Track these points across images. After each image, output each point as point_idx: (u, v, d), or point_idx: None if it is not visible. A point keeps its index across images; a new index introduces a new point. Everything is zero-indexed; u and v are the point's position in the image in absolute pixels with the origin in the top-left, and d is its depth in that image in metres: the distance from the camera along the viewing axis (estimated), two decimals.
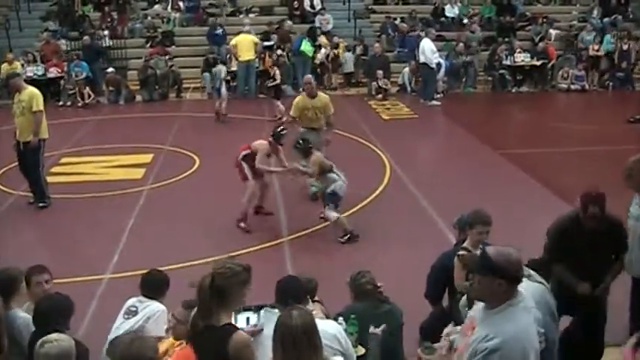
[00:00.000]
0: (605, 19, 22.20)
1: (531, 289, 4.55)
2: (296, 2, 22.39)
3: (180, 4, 22.64)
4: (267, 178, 9.73)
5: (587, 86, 19.61)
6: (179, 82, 19.34)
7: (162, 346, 4.87)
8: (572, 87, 19.53)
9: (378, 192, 10.72)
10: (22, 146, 10.15)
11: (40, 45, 19.98)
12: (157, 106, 18.11)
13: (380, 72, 18.77)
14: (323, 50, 20.00)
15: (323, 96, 10.79)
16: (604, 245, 5.31)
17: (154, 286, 5.36)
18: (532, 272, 4.57)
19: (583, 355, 5.45)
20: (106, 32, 20.72)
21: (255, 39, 18.66)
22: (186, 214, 9.92)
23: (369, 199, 10.35)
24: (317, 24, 21.51)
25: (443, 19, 22.43)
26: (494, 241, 5.00)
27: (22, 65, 18.38)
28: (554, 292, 4.81)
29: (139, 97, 18.78)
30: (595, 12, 22.64)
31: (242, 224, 9.23)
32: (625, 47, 19.61)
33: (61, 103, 18.03)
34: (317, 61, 19.82)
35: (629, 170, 5.48)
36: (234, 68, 18.78)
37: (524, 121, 17.06)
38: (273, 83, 17.75)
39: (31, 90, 10.24)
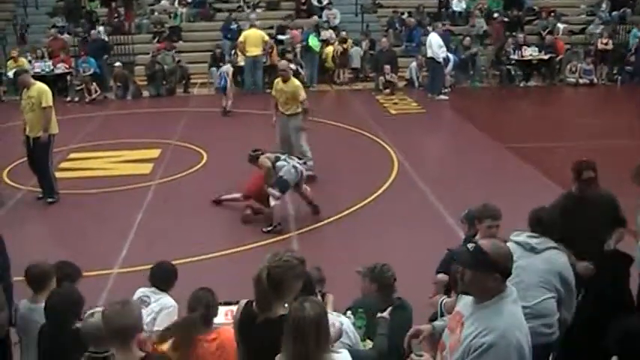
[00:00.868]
0: (614, 13, 22.08)
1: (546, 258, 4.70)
2: None
3: None
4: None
5: (595, 80, 19.53)
6: (186, 78, 19.35)
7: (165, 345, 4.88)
8: (581, 81, 19.45)
9: (385, 186, 10.70)
10: (32, 142, 10.18)
11: (48, 41, 20.02)
12: (165, 101, 18.14)
13: (387, 67, 18.73)
14: (331, 47, 19.96)
15: (294, 82, 11.03)
16: (602, 220, 5.29)
17: (164, 277, 5.37)
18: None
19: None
20: (102, 28, 20.71)
21: (264, 35, 18.63)
22: (194, 208, 9.93)
23: (377, 194, 10.34)
24: (324, 19, 21.50)
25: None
26: (504, 236, 5.00)
27: (30, 62, 18.45)
28: None
29: (146, 93, 18.81)
30: (604, 5, 22.49)
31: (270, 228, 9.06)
32: None
33: (68, 99, 18.05)
34: (324, 56, 19.80)
35: (638, 169, 5.45)
36: (241, 63, 18.77)
37: (532, 115, 16.98)
38: None
39: (40, 86, 10.29)
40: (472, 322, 3.35)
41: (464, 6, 22.51)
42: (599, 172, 5.67)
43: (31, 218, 9.89)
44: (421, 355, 3.59)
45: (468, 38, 19.72)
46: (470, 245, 3.43)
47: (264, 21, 20.88)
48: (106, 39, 20.30)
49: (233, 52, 19.25)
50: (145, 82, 19.02)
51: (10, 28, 21.09)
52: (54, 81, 17.75)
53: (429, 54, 17.70)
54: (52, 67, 18.77)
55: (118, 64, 18.86)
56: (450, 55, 18.55)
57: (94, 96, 18.12)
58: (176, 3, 22.57)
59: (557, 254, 4.92)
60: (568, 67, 19.74)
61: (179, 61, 19.41)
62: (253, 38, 18.27)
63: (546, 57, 19.71)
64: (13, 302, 5.07)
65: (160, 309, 5.19)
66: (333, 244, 8.64)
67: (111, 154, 12.83)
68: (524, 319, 4.49)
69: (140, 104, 18.01)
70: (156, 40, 21.14)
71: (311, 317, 3.22)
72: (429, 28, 19.46)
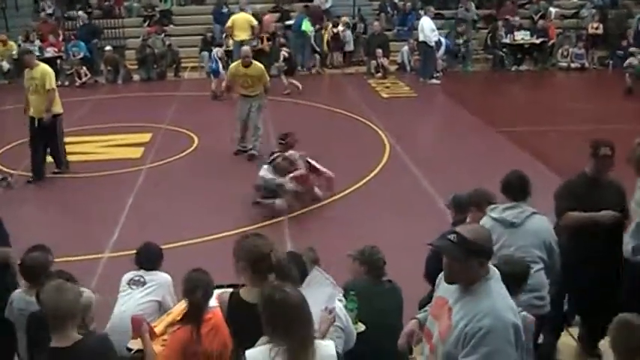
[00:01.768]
0: None
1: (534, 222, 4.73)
2: None
3: None
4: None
5: (587, 64, 19.53)
6: (177, 61, 19.25)
7: (162, 324, 4.90)
8: (572, 65, 19.44)
9: (377, 170, 10.70)
10: (37, 123, 10.24)
11: (37, 24, 19.84)
12: (155, 85, 18.06)
13: (379, 50, 18.67)
14: (327, 30, 19.83)
15: (258, 66, 11.29)
16: (611, 202, 5.28)
17: (151, 257, 5.39)
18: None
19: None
20: (81, 12, 20.48)
21: (252, 19, 18.41)
22: (185, 192, 9.92)
23: (368, 177, 10.34)
24: (316, 2, 21.36)
25: None
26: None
27: (19, 45, 18.28)
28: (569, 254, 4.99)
29: (136, 77, 18.73)
30: None
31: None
32: None
33: (59, 83, 17.83)
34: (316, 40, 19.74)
35: (632, 152, 5.43)
36: (231, 48, 18.63)
37: (523, 99, 16.98)
38: (285, 63, 17.69)
39: (44, 67, 10.43)
40: (461, 306, 3.32)
41: None
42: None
43: (21, 202, 9.84)
44: None
45: (463, 26, 19.63)
46: (451, 236, 3.36)
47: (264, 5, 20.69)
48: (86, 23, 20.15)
49: (224, 35, 19.13)
50: (136, 66, 18.92)
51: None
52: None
53: (421, 38, 17.66)
54: (41, 51, 18.58)
55: (108, 48, 18.74)
56: (442, 39, 18.52)
57: (84, 80, 18.05)
58: None
59: (537, 222, 4.91)
60: (560, 51, 19.73)
61: (170, 45, 19.30)
62: (241, 22, 18.02)
63: (538, 41, 19.69)
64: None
65: (159, 286, 5.21)
66: (325, 227, 8.63)
67: (102, 138, 12.79)
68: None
69: (131, 88, 17.92)
70: (146, 23, 20.97)
71: (305, 301, 3.24)
72: (421, 12, 19.37)
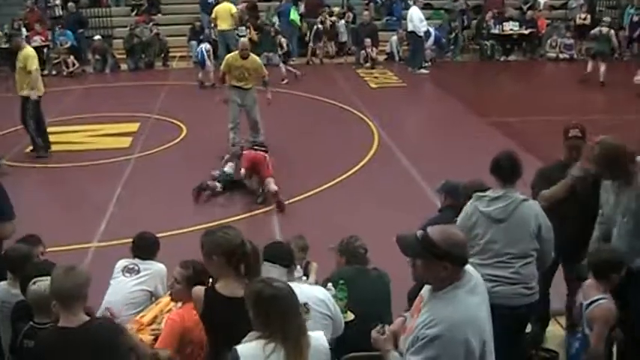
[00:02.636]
0: None
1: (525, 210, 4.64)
2: None
3: None
4: None
5: (575, 55, 19.57)
6: (165, 51, 19.16)
7: (151, 313, 4.89)
8: (561, 56, 19.50)
9: (366, 160, 10.71)
10: (22, 101, 10.87)
11: (24, 13, 19.69)
12: (143, 74, 17.99)
13: (368, 40, 18.64)
14: (325, 20, 19.76)
15: (255, 58, 11.12)
16: (586, 192, 5.22)
17: (147, 246, 5.38)
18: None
19: None
20: (58, 1, 20.36)
21: (233, 8, 18.17)
22: (173, 182, 9.89)
23: (357, 167, 10.35)
24: None
25: None
26: None
27: (6, 34, 18.13)
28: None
29: (124, 66, 18.64)
30: None
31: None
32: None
33: (46, 72, 17.77)
34: (305, 30, 19.67)
35: (590, 151, 5.10)
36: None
37: (512, 89, 17.02)
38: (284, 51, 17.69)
39: (26, 51, 10.96)
40: (426, 309, 3.24)
41: None
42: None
43: (8, 192, 9.76)
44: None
45: (456, 23, 19.68)
46: (419, 233, 3.30)
47: None
48: (61, 14, 19.98)
49: (212, 25, 19.01)
50: (124, 56, 18.82)
51: None
52: None
53: (410, 28, 17.66)
54: (28, 40, 18.41)
55: (97, 37, 18.63)
56: (431, 30, 18.52)
57: (71, 69, 17.96)
58: None
59: (526, 210, 4.66)
60: (548, 41, 19.76)
61: (158, 34, 19.20)
62: (222, 12, 17.89)
63: (527, 32, 19.72)
64: None
65: (152, 276, 5.21)
66: (313, 217, 8.63)
67: (89, 127, 12.73)
68: (504, 285, 4.55)
69: (119, 77, 17.85)
70: (134, 13, 20.88)
71: (293, 292, 3.23)
72: (410, 2, 19.36)
